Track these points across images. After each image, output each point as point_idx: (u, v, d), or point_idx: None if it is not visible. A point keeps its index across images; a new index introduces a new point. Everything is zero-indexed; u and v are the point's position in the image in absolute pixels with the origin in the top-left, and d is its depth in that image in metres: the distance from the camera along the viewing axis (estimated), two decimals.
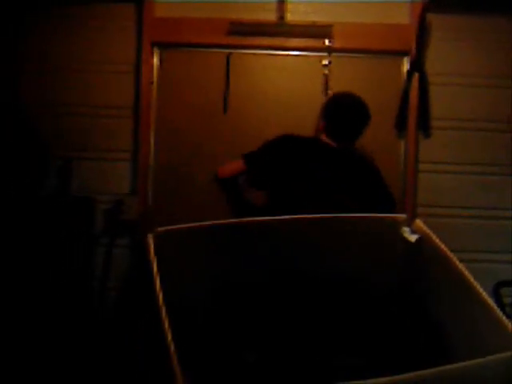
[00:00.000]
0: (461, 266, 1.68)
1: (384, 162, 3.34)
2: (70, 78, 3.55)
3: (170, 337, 1.53)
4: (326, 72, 3.51)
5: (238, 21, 3.52)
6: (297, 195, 2.82)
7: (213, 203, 3.41)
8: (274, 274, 2.05)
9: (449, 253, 1.74)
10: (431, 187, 3.50)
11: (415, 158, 3.48)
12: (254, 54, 3.57)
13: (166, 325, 1.58)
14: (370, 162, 3.12)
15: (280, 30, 3.54)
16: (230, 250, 2.07)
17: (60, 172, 3.42)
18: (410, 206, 3.43)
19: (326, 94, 3.46)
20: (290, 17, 3.57)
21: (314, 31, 3.52)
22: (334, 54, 3.52)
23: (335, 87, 3.47)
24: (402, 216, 1.96)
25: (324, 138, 3.06)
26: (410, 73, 3.44)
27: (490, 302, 1.56)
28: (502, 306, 2.97)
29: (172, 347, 1.50)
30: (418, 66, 3.40)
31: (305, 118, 3.40)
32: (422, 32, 3.40)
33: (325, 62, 3.51)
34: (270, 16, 3.56)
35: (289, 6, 3.57)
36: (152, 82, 3.54)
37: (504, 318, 1.52)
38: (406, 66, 3.53)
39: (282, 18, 3.56)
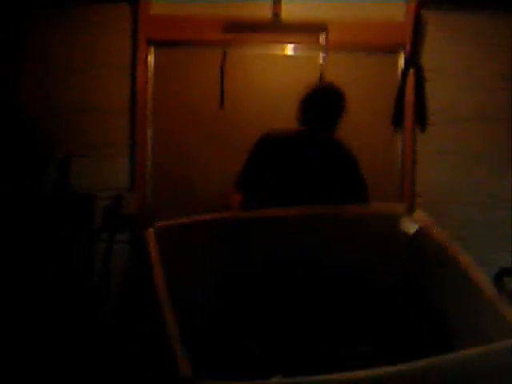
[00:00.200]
0: (461, 255, 1.69)
1: (382, 156, 3.36)
2: (68, 77, 3.55)
3: (172, 330, 1.54)
4: (322, 69, 3.51)
5: (234, 18, 3.52)
6: (276, 189, 2.82)
7: (210, 198, 3.41)
8: (278, 265, 2.06)
9: (449, 242, 1.75)
10: (428, 180, 3.52)
11: (412, 153, 3.50)
12: (249, 51, 3.58)
13: (168, 317, 1.58)
14: (346, 150, 3.05)
15: (275, 27, 3.55)
16: (231, 243, 2.08)
17: (59, 169, 3.42)
18: (408, 198, 3.44)
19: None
20: (285, 14, 3.57)
21: (310, 28, 3.53)
22: (329, 51, 3.52)
23: None
24: (403, 207, 1.97)
25: (299, 127, 3.01)
26: (405, 69, 3.45)
27: (492, 291, 1.57)
28: (504, 293, 2.98)
29: (175, 339, 1.50)
30: (413, 62, 3.41)
31: None
32: (418, 29, 3.41)
33: (320, 59, 3.52)
34: (266, 13, 3.57)
35: (284, 3, 3.57)
36: (148, 80, 3.55)
37: (505, 307, 1.53)
38: (401, 62, 3.54)
39: (277, 15, 3.57)
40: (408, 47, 3.43)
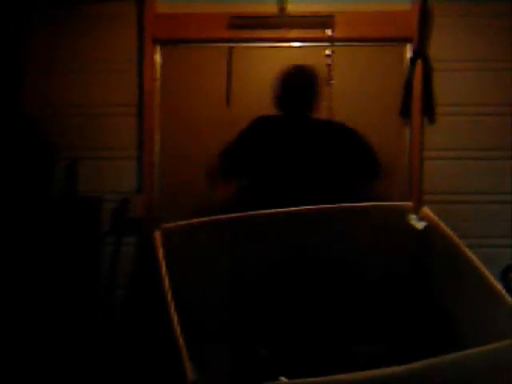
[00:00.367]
0: (469, 252, 1.68)
1: (390, 149, 3.33)
2: (73, 77, 3.56)
3: (179, 332, 1.54)
4: (329, 62, 3.49)
5: (239, 14, 3.51)
6: (268, 173, 2.80)
7: (219, 198, 3.40)
8: (286, 265, 2.05)
9: (457, 240, 1.74)
10: (437, 174, 3.49)
11: (420, 145, 3.47)
12: (255, 46, 3.57)
13: (175, 321, 1.58)
14: (340, 125, 3.00)
15: (281, 21, 3.54)
16: (238, 244, 2.07)
17: (66, 172, 3.43)
18: (416, 193, 3.42)
19: (329, 84, 3.45)
20: (290, 8, 3.56)
21: (316, 22, 3.51)
22: (336, 44, 3.50)
23: (338, 77, 3.47)
24: (409, 204, 1.95)
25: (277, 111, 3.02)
26: (413, 60, 3.42)
27: (499, 287, 1.55)
28: (509, 290, 2.96)
29: (182, 343, 1.50)
30: (420, 52, 3.38)
31: None
32: (424, 18, 3.38)
33: (327, 52, 3.50)
34: (271, 8, 3.55)
35: None
36: (155, 79, 3.55)
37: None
38: (408, 52, 3.51)
39: (282, 9, 3.55)
40: (415, 38, 3.41)
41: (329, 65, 3.49)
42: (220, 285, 2.05)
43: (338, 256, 2.02)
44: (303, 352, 1.97)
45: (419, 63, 3.38)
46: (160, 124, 3.55)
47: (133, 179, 3.55)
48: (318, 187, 2.72)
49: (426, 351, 1.77)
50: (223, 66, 3.52)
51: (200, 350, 1.66)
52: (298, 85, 2.91)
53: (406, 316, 1.96)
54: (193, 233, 2.15)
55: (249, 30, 3.53)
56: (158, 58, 3.57)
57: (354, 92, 3.51)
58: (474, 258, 1.66)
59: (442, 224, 1.83)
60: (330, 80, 3.46)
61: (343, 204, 2.06)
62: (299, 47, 3.57)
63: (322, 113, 3.29)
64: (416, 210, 1.93)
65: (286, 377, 1.74)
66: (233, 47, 3.53)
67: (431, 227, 1.87)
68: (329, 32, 3.49)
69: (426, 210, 1.91)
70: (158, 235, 2.08)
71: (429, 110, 3.23)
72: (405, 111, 3.29)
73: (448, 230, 1.79)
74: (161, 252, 1.98)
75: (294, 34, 3.55)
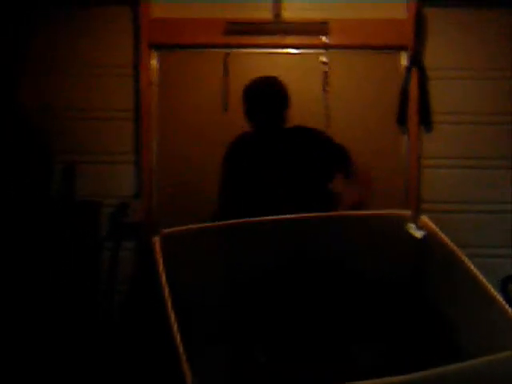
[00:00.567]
0: (467, 261, 1.69)
1: (387, 157, 3.36)
2: (71, 80, 3.57)
3: (178, 337, 1.54)
4: (325, 69, 3.51)
5: (235, 20, 3.53)
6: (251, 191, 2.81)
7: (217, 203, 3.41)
8: (284, 272, 2.06)
9: (455, 249, 1.75)
10: (435, 182, 3.51)
11: (418, 153, 3.49)
12: (251, 52, 3.58)
13: (174, 326, 1.59)
14: (305, 129, 2.98)
15: (277, 28, 3.55)
16: (237, 249, 2.08)
17: (64, 175, 3.42)
18: (414, 201, 3.44)
19: (325, 90, 3.47)
20: (286, 14, 3.58)
21: (311, 28, 3.52)
22: (331, 51, 3.52)
23: (334, 84, 3.49)
24: (408, 212, 1.97)
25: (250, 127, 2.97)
26: (408, 67, 3.44)
27: (498, 297, 1.56)
28: (509, 301, 2.98)
29: (181, 348, 1.50)
30: (416, 60, 3.40)
31: (305, 115, 3.39)
32: (419, 26, 3.40)
33: (323, 58, 3.52)
34: (267, 14, 3.57)
35: (285, 4, 3.58)
36: (152, 84, 3.55)
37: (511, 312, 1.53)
38: (403, 60, 3.53)
39: (278, 15, 3.57)
40: (410, 46, 3.43)
41: (325, 72, 3.50)
42: (218, 290, 2.06)
43: (336, 263, 2.03)
44: (302, 355, 1.98)
45: (415, 71, 3.42)
46: (157, 128, 3.56)
47: (131, 184, 3.55)
48: (297, 192, 2.73)
49: (424, 359, 1.79)
50: (219, 72, 3.53)
51: (198, 353, 1.67)
52: (264, 96, 2.88)
53: (404, 323, 1.97)
54: (191, 238, 2.15)
55: (245, 36, 3.54)
56: (154, 62, 3.57)
57: (350, 99, 3.53)
58: (472, 267, 1.68)
59: (440, 233, 1.84)
60: (326, 87, 3.48)
61: (342, 212, 2.07)
62: (295, 53, 3.58)
63: (319, 120, 3.32)
64: (415, 218, 1.94)
65: (285, 381, 1.75)
66: (229, 53, 3.55)
67: (430, 236, 1.88)
68: (324, 39, 3.51)
69: (425, 218, 1.92)
70: (156, 240, 2.08)
71: (425, 119, 3.25)
72: (401, 119, 3.31)
73: (447, 240, 1.81)
74: (159, 257, 1.98)
75: (289, 40, 3.57)
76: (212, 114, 3.53)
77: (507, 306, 1.53)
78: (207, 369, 1.80)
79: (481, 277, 1.63)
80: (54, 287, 3.00)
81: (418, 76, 3.37)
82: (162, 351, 2.26)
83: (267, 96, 2.85)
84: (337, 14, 3.55)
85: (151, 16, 3.55)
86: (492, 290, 1.59)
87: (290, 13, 3.58)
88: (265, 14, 3.57)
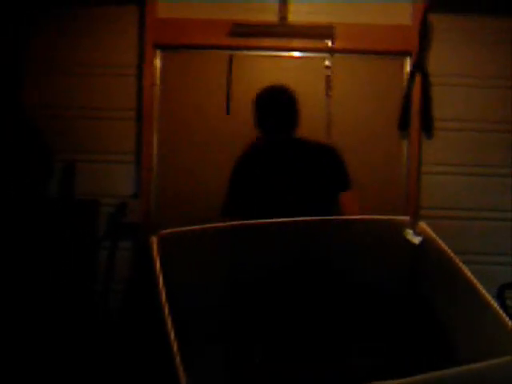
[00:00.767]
0: (464, 268, 1.69)
1: (387, 163, 3.35)
2: (73, 79, 3.57)
3: (173, 338, 1.54)
4: (328, 73, 3.51)
5: (241, 22, 3.52)
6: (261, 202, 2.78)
7: (216, 205, 3.40)
8: (283, 275, 2.06)
9: (452, 255, 1.74)
10: (434, 189, 3.50)
11: (418, 160, 3.48)
12: (256, 55, 3.58)
13: (170, 327, 1.58)
14: (321, 146, 2.94)
15: (282, 30, 3.55)
16: (234, 252, 2.07)
17: (64, 174, 3.43)
18: (413, 207, 3.43)
19: (328, 95, 3.47)
20: (292, 18, 3.57)
21: (316, 32, 3.52)
22: (336, 55, 3.52)
23: (337, 88, 3.48)
24: (406, 218, 1.96)
25: (260, 137, 2.93)
26: (412, 73, 3.44)
27: (494, 304, 1.56)
28: (505, 308, 2.97)
29: (175, 348, 1.50)
30: (420, 66, 3.40)
31: (307, 119, 3.38)
32: (424, 32, 3.40)
33: (327, 62, 3.51)
34: (272, 17, 3.57)
35: (291, 7, 3.57)
36: (155, 84, 3.55)
37: (508, 321, 1.52)
38: (408, 66, 3.53)
39: (284, 18, 3.57)
40: (414, 52, 3.43)
41: (328, 76, 3.50)
42: (216, 291, 2.06)
43: (333, 266, 2.03)
44: (300, 356, 1.98)
45: (418, 77, 3.41)
46: (158, 129, 3.56)
47: (130, 184, 3.55)
48: (305, 202, 2.72)
49: (420, 364, 1.78)
50: (223, 73, 3.53)
51: (195, 354, 1.66)
52: (277, 105, 2.87)
53: (401, 327, 1.97)
54: (189, 239, 2.15)
55: (250, 38, 3.55)
56: (158, 62, 3.57)
57: (353, 104, 3.53)
58: (469, 274, 1.67)
59: (438, 239, 1.83)
60: (329, 91, 3.48)
61: (341, 216, 2.07)
62: (299, 57, 3.58)
63: (320, 124, 3.31)
64: (413, 224, 1.94)
65: (284, 382, 1.75)
66: (233, 54, 3.55)
67: (428, 242, 1.87)
68: (329, 43, 3.51)
69: (423, 225, 1.91)
70: (154, 241, 2.08)
71: (427, 125, 3.25)
72: (403, 125, 3.30)
73: (444, 246, 1.80)
74: (157, 257, 1.98)
75: (294, 43, 3.57)
76: (214, 115, 3.53)
77: (503, 313, 1.52)
78: (204, 370, 1.79)
79: (477, 283, 1.62)
80: (51, 286, 3.00)
81: (421, 82, 3.38)
82: (157, 352, 2.25)
83: (281, 105, 2.85)
84: (342, 19, 3.55)
85: (156, 16, 3.55)
86: (488, 296, 1.59)
87: (295, 16, 3.58)
88: (271, 16, 3.57)
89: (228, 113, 3.51)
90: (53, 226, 3.08)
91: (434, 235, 1.85)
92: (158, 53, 3.58)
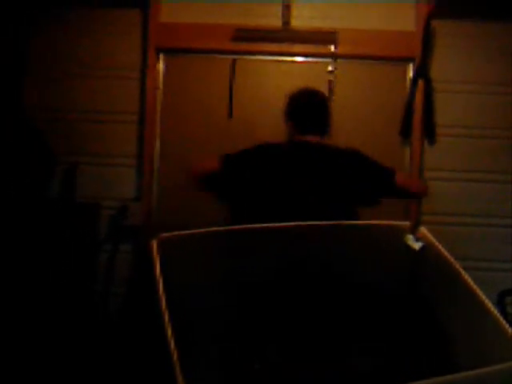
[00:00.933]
0: (465, 274, 1.68)
1: None
2: (75, 82, 3.57)
3: (172, 343, 1.53)
4: (331, 78, 3.50)
5: (244, 27, 3.53)
6: (278, 202, 2.74)
7: (218, 210, 3.39)
8: (280, 278, 2.05)
9: (453, 261, 1.74)
10: (436, 194, 3.49)
11: (420, 165, 3.48)
12: (259, 59, 3.58)
13: (170, 332, 1.58)
14: (352, 150, 2.96)
15: (285, 35, 3.55)
16: (235, 256, 2.07)
17: (65, 176, 3.43)
18: (414, 213, 3.43)
19: (331, 99, 3.46)
20: (295, 23, 3.58)
21: (319, 37, 3.53)
22: (339, 60, 3.52)
23: (340, 93, 3.48)
24: (406, 223, 1.96)
25: (299, 137, 2.86)
26: (414, 79, 3.44)
27: (494, 310, 1.55)
28: (505, 315, 2.96)
29: (175, 354, 1.50)
30: (422, 72, 3.40)
31: None
32: (427, 38, 3.40)
33: (330, 68, 3.51)
34: (276, 22, 3.57)
35: (294, 12, 3.58)
36: (157, 88, 3.55)
37: (508, 327, 1.52)
38: (411, 72, 3.53)
39: (287, 23, 3.57)
40: (417, 58, 3.43)
41: (331, 81, 3.50)
42: (216, 296, 2.05)
43: (334, 270, 2.02)
44: (298, 361, 1.97)
45: (421, 83, 3.41)
46: (160, 132, 3.56)
47: (132, 187, 3.54)
48: (327, 203, 2.69)
49: (419, 369, 1.78)
50: (226, 78, 3.54)
51: (193, 358, 1.66)
52: (319, 106, 2.89)
53: (400, 332, 1.96)
54: (190, 243, 2.15)
55: (252, 43, 3.55)
56: (160, 66, 3.58)
57: (355, 109, 3.53)
58: (470, 280, 1.66)
59: (438, 245, 1.83)
60: (332, 96, 3.47)
61: (341, 221, 2.06)
62: (302, 62, 3.59)
63: None
64: (413, 230, 1.93)
65: None
66: (236, 59, 3.55)
67: (428, 248, 1.87)
68: (332, 48, 3.51)
69: (424, 230, 1.91)
70: (154, 244, 2.08)
71: (429, 131, 3.24)
72: (405, 131, 3.30)
73: (445, 252, 1.80)
74: (157, 261, 1.97)
75: (297, 48, 3.57)
76: (216, 120, 3.54)
77: (502, 319, 1.52)
78: (203, 374, 1.79)
79: (478, 289, 1.62)
80: (51, 288, 3.00)
81: (423, 88, 3.38)
82: (157, 357, 2.25)
83: (322, 107, 2.87)
84: (345, 24, 3.56)
85: (159, 20, 3.56)
86: (488, 302, 1.58)
87: (299, 21, 3.59)
88: (274, 21, 3.58)
89: (230, 117, 3.52)
90: (53, 227, 3.08)
91: (434, 241, 1.84)
92: (161, 56, 3.58)
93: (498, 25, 3.51)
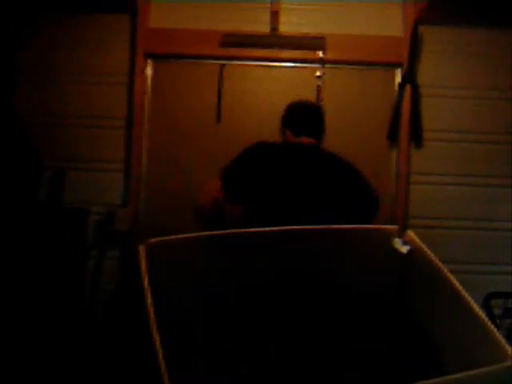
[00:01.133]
0: (452, 277, 1.68)
1: (376, 172, 3.35)
2: (63, 88, 3.55)
3: (159, 349, 1.53)
4: (319, 83, 3.52)
5: (232, 32, 3.54)
6: (276, 202, 2.76)
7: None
8: (268, 283, 2.05)
9: (440, 264, 1.74)
10: (423, 198, 3.51)
11: (407, 169, 3.49)
12: (247, 65, 3.59)
13: (156, 338, 1.57)
14: (345, 160, 2.99)
15: (273, 41, 3.56)
16: (223, 261, 2.06)
17: (53, 182, 3.41)
18: (401, 216, 3.44)
19: (320, 104, 3.47)
20: (283, 28, 3.59)
21: (307, 43, 3.54)
22: (327, 66, 3.54)
23: (328, 98, 3.49)
24: (394, 227, 1.96)
25: (293, 139, 2.90)
26: (402, 85, 3.47)
27: (481, 314, 1.56)
28: (492, 317, 2.97)
29: (163, 365, 1.49)
30: (410, 77, 3.43)
31: None
32: (415, 44, 3.43)
33: (318, 73, 3.53)
34: (264, 28, 3.58)
35: (282, 18, 3.59)
36: (145, 93, 3.55)
37: (495, 330, 1.52)
38: (398, 77, 3.54)
39: (275, 29, 3.58)
40: (405, 64, 3.45)
41: (319, 86, 3.51)
42: (204, 302, 2.04)
43: (320, 275, 2.02)
44: (285, 368, 1.97)
45: (408, 88, 3.43)
46: (148, 138, 3.55)
47: (119, 192, 3.53)
48: (320, 206, 2.70)
49: (407, 374, 1.78)
50: (214, 83, 3.54)
51: (181, 366, 1.65)
52: (314, 112, 2.93)
53: (387, 336, 1.96)
54: (178, 248, 2.14)
55: (241, 49, 3.56)
56: (149, 71, 3.58)
57: (343, 114, 3.54)
58: (456, 283, 1.67)
59: (425, 248, 1.83)
60: (320, 101, 3.49)
61: (329, 225, 2.06)
62: (290, 67, 3.60)
63: None
64: (401, 233, 1.93)
65: None
66: (224, 65, 3.56)
67: (415, 251, 1.87)
68: (320, 54, 3.52)
69: (411, 234, 1.91)
70: (142, 249, 2.07)
71: (416, 135, 3.27)
72: (392, 135, 3.33)
73: (432, 255, 1.80)
74: (144, 267, 1.96)
75: (285, 54, 3.58)
76: (205, 125, 3.54)
77: (489, 322, 1.52)
78: (188, 378, 1.78)
79: (464, 292, 1.62)
80: (38, 294, 2.98)
81: (410, 93, 3.40)
82: (143, 361, 2.24)
83: (312, 112, 2.93)
84: (333, 30, 3.58)
85: (148, 25, 3.56)
86: (475, 305, 1.58)
87: (287, 27, 3.60)
88: (262, 27, 3.59)
89: (218, 122, 3.52)
90: (40, 233, 3.06)
91: (421, 244, 1.84)
92: (150, 62, 3.58)
93: (486, 31, 3.53)
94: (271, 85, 3.58)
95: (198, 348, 1.98)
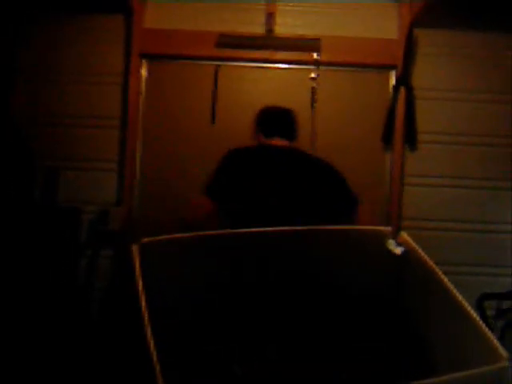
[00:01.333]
0: (445, 278, 1.69)
1: (370, 174, 3.36)
2: (58, 88, 3.54)
3: (154, 355, 1.52)
4: (314, 85, 3.52)
5: (227, 33, 3.53)
6: (254, 203, 2.77)
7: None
8: (264, 284, 2.05)
9: (433, 266, 1.74)
10: (417, 200, 3.51)
11: (401, 171, 3.50)
12: (242, 66, 3.59)
13: (151, 340, 1.57)
14: (321, 160, 3.00)
15: (268, 43, 3.57)
16: (216, 261, 2.06)
17: (47, 181, 3.40)
18: (395, 218, 3.44)
19: (314, 106, 3.48)
20: (278, 30, 3.59)
21: (303, 44, 3.54)
22: (321, 68, 3.54)
23: (322, 100, 3.50)
24: (388, 228, 1.96)
25: (264, 140, 2.94)
26: (396, 87, 3.47)
27: (474, 315, 1.56)
28: (485, 318, 2.98)
29: (157, 367, 1.48)
30: (404, 80, 3.43)
31: None
32: (409, 47, 3.43)
33: (312, 75, 3.53)
34: (259, 29, 3.58)
35: (278, 20, 3.59)
36: (140, 93, 3.55)
37: (487, 331, 1.52)
38: (393, 80, 3.55)
39: (270, 31, 3.58)
40: (399, 66, 3.46)
41: (314, 88, 3.51)
42: (196, 301, 2.04)
43: (314, 276, 2.02)
44: (278, 369, 1.97)
45: (402, 91, 3.44)
46: (143, 137, 3.55)
47: (113, 191, 3.52)
48: (290, 211, 2.71)
49: (400, 374, 1.78)
50: (209, 84, 3.54)
51: (174, 365, 1.65)
52: (284, 114, 2.95)
53: (381, 337, 1.96)
54: (171, 248, 2.14)
55: (236, 50, 3.55)
56: (143, 72, 3.57)
57: (338, 116, 3.55)
58: (449, 284, 1.67)
59: (419, 250, 1.83)
60: (314, 103, 3.49)
61: (322, 226, 2.06)
62: (285, 69, 3.60)
63: (305, 135, 3.32)
64: (394, 235, 1.94)
65: None
66: (219, 65, 3.55)
67: (409, 253, 1.88)
68: (315, 55, 3.52)
69: (405, 235, 1.92)
70: (135, 249, 2.06)
71: (410, 137, 3.28)
72: (386, 137, 3.33)
73: (425, 257, 1.80)
74: (138, 266, 1.96)
75: (280, 55, 3.58)
76: (199, 125, 3.53)
77: (482, 323, 1.52)
78: (182, 378, 1.78)
79: (457, 294, 1.62)
80: (32, 293, 2.97)
81: (405, 96, 3.40)
82: (137, 363, 2.23)
83: (287, 114, 2.96)
84: (328, 32, 3.58)
85: (143, 26, 3.56)
86: (468, 306, 1.59)
87: (282, 28, 3.60)
88: (257, 28, 3.59)
89: (213, 123, 3.52)
90: (33, 232, 3.05)
91: (415, 246, 1.85)
92: (144, 62, 3.58)
93: (480, 34, 3.54)
94: (266, 86, 3.58)
95: (192, 347, 1.98)
